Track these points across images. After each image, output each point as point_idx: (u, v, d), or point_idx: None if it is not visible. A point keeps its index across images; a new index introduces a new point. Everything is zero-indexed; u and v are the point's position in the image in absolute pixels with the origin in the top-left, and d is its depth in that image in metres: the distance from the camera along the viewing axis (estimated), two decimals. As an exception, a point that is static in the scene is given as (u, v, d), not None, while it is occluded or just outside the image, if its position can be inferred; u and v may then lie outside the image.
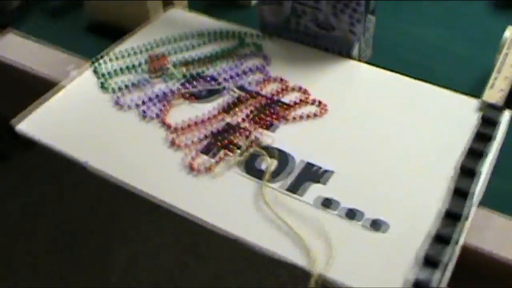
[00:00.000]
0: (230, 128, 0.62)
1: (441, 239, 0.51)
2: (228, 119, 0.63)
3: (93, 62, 0.70)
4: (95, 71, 0.69)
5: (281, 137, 0.61)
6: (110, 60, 0.70)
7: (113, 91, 0.67)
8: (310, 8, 0.69)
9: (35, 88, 0.74)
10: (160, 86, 0.67)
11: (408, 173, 0.57)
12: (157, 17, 0.77)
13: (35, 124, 0.64)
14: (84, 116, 0.64)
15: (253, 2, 0.84)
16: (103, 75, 0.68)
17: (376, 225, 0.53)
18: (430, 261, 0.49)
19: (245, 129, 0.62)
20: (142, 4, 0.75)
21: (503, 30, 0.68)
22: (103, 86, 0.67)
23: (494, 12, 0.83)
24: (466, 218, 0.52)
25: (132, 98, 0.66)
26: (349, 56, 0.70)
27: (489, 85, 0.63)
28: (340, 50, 0.70)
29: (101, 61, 0.70)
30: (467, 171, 0.56)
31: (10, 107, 0.79)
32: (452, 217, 0.52)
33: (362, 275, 0.49)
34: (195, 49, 0.72)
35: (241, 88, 0.67)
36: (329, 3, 0.67)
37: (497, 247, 0.53)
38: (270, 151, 0.59)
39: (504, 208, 0.56)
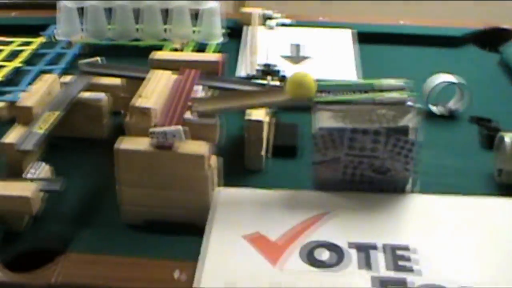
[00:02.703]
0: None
1: None
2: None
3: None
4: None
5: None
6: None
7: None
8: (367, 158, 0.78)
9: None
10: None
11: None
12: (214, 201, 0.79)
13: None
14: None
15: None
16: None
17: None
18: None
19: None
20: (203, 194, 0.77)
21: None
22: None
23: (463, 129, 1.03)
24: None
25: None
26: (403, 191, 0.80)
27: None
28: (395, 188, 0.80)
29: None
30: None
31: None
32: None
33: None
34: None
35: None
36: (386, 148, 0.77)
37: None
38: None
39: None
